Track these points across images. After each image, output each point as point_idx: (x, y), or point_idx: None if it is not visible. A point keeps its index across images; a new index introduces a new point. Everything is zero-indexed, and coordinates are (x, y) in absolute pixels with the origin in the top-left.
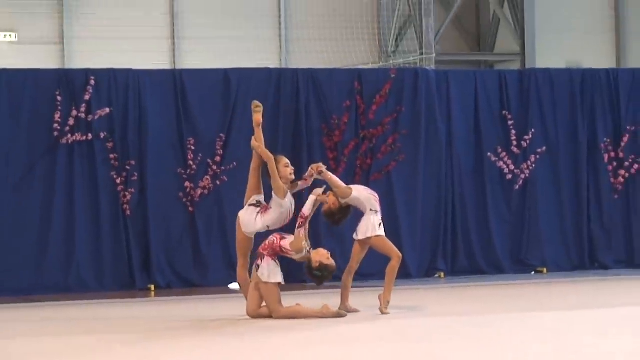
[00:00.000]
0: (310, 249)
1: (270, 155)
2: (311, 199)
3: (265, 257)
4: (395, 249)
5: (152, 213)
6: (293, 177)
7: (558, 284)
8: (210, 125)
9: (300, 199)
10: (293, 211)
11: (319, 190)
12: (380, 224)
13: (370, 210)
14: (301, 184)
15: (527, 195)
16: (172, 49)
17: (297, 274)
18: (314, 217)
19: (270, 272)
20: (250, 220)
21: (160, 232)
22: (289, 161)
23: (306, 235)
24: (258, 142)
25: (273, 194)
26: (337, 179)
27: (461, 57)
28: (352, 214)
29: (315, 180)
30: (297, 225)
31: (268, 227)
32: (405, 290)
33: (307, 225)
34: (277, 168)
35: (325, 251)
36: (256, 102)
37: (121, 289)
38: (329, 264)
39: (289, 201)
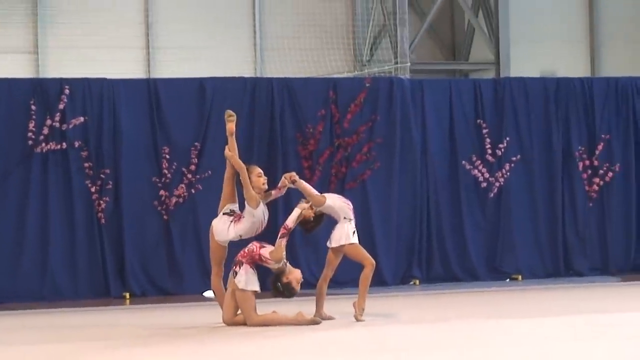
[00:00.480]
0: (287, 262)
1: (242, 165)
2: (296, 211)
3: (244, 265)
4: (369, 257)
5: (127, 221)
6: (266, 186)
7: (533, 291)
8: (185, 134)
9: (274, 208)
10: (266, 221)
11: (305, 205)
12: (354, 232)
13: (344, 218)
14: (274, 194)
15: (501, 203)
16: (147, 59)
17: None
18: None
19: (247, 280)
20: (223, 229)
21: (135, 240)
22: (261, 171)
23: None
24: (231, 151)
25: (245, 203)
26: (311, 188)
27: (436, 66)
28: (325, 222)
29: (289, 189)
30: (279, 235)
31: (240, 236)
32: (380, 297)
33: (288, 236)
34: (250, 178)
35: (300, 276)
36: (229, 112)
37: (96, 297)
38: (295, 288)
39: (261, 211)
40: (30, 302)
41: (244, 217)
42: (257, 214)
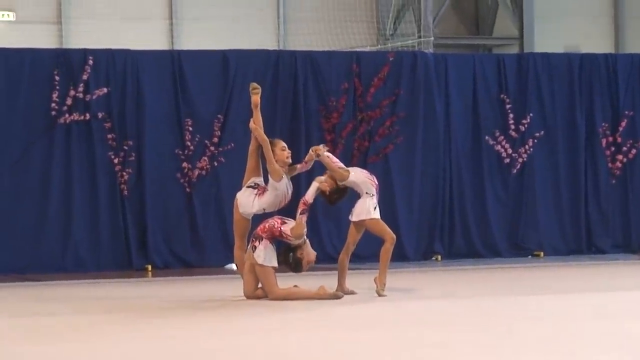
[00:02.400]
0: (307, 239)
1: (266, 138)
2: (314, 185)
3: (264, 240)
4: (390, 231)
5: (149, 193)
6: (290, 160)
7: (555, 268)
8: (208, 107)
9: (298, 182)
10: (290, 195)
11: (322, 178)
12: (375, 207)
13: (366, 193)
14: (300, 167)
15: (524, 179)
16: (170, 30)
17: None
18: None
19: (266, 255)
20: (247, 202)
21: (158, 213)
22: (285, 145)
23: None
24: (256, 124)
25: (269, 176)
26: (336, 162)
27: (459, 41)
28: (349, 195)
29: (315, 163)
30: (299, 212)
31: (264, 209)
32: (402, 272)
33: (309, 212)
34: (274, 151)
35: (314, 259)
36: (254, 84)
37: (118, 269)
38: (303, 267)
39: (284, 184)
40: (52, 274)
41: (267, 190)
42: (281, 188)
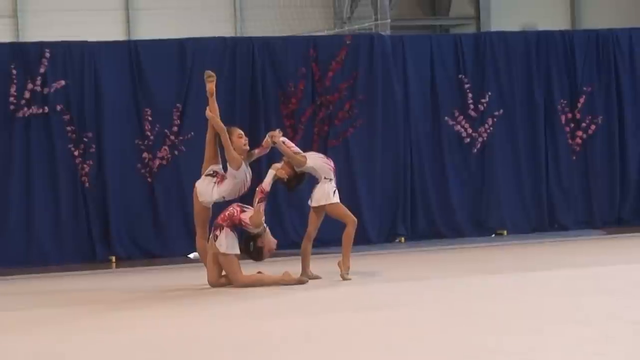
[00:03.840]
0: (267, 227)
1: (223, 126)
2: (270, 173)
3: (224, 229)
4: (351, 215)
5: (110, 185)
6: (247, 147)
7: (519, 246)
8: (167, 96)
9: (258, 168)
10: (249, 182)
11: (278, 165)
12: (334, 191)
13: (325, 178)
14: (257, 152)
15: (485, 158)
16: (127, 20)
17: None
18: (272, 185)
19: (228, 243)
20: (206, 190)
21: (120, 204)
22: (242, 132)
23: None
24: (212, 112)
25: (228, 164)
26: (292, 148)
27: (416, 22)
28: (308, 181)
29: (273, 147)
30: (256, 200)
31: (224, 197)
32: (365, 255)
33: (266, 200)
34: (231, 139)
35: (274, 247)
36: (209, 72)
37: (82, 261)
38: (264, 256)
39: (243, 171)
40: (16, 268)
41: (226, 178)
42: (240, 175)
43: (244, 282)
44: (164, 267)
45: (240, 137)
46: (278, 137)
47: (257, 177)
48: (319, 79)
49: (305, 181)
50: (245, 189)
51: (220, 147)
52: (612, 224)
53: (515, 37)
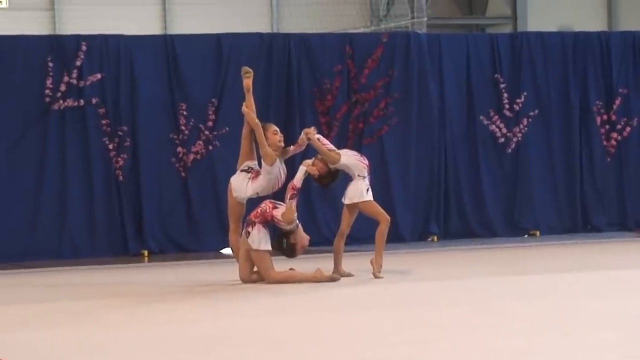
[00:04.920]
0: (299, 223)
1: (257, 122)
2: (301, 170)
3: (256, 225)
4: (384, 213)
5: (144, 179)
6: (282, 144)
7: (551, 247)
8: (202, 91)
9: (293, 165)
10: (284, 178)
11: (309, 161)
12: (368, 189)
13: (358, 175)
14: (293, 149)
15: (519, 159)
16: (163, 14)
17: None
18: (305, 181)
19: (261, 239)
20: (241, 185)
21: (153, 198)
22: (277, 129)
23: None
24: (248, 108)
25: (262, 160)
26: (326, 146)
27: (453, 21)
28: (342, 178)
29: (309, 145)
30: (288, 197)
31: (257, 193)
32: (398, 254)
33: (298, 196)
34: (266, 135)
35: (307, 244)
36: (246, 68)
37: (114, 255)
38: (296, 253)
39: (277, 168)
40: (48, 260)
41: (261, 174)
42: (274, 171)
43: (275, 279)
44: (196, 261)
45: (275, 134)
46: (313, 134)
47: (291, 174)
48: (354, 77)
49: (339, 178)
50: (279, 185)
51: (255, 143)
52: None
53: (552, 38)
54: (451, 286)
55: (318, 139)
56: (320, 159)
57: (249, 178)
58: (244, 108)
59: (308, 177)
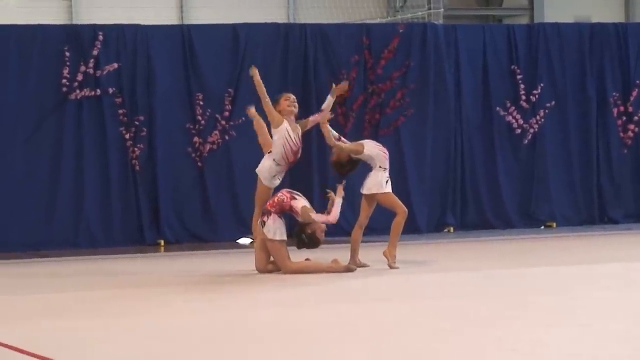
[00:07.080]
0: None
1: (261, 82)
2: (338, 202)
3: (272, 215)
4: (402, 205)
5: (161, 168)
6: (293, 109)
7: (568, 239)
8: (219, 81)
9: (307, 140)
10: (296, 143)
11: (327, 115)
12: (387, 181)
13: (379, 167)
14: (312, 119)
15: (536, 150)
16: (180, 4)
17: None
18: (321, 169)
19: (276, 229)
20: (264, 166)
21: (169, 188)
22: (292, 96)
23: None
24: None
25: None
26: (347, 145)
27: (469, 12)
28: (360, 168)
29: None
30: (319, 214)
31: (275, 162)
32: (414, 244)
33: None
34: (278, 101)
35: (324, 225)
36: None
37: (130, 245)
38: (319, 238)
39: (284, 129)
40: (65, 250)
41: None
42: (281, 132)
43: (291, 269)
44: (212, 251)
45: (286, 100)
46: (334, 142)
47: (301, 176)
48: (371, 67)
49: (358, 167)
50: (292, 152)
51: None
52: None
53: (569, 29)
54: (468, 277)
55: (340, 138)
56: (343, 148)
57: (268, 154)
58: (252, 70)
59: (327, 167)
